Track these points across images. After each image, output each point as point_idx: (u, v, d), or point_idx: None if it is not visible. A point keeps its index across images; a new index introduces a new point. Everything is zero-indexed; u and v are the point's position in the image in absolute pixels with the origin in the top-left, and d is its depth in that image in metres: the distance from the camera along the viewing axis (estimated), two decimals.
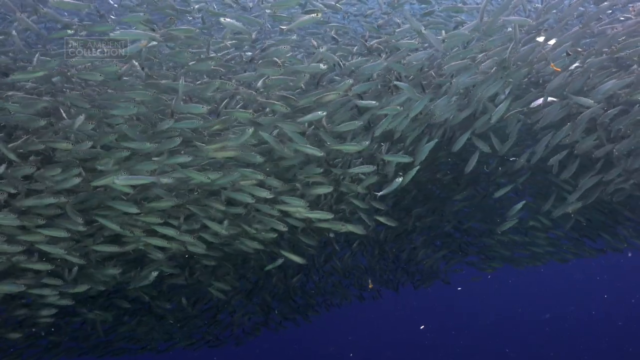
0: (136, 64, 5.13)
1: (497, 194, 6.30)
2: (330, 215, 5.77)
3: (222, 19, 5.15)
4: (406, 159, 5.57)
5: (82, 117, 4.82)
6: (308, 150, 5.32)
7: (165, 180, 5.19)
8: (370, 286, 8.37)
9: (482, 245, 8.53)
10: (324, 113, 5.24)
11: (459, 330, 23.47)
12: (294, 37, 5.65)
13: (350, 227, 5.96)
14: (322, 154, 5.35)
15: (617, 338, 22.04)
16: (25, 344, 7.12)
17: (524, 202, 6.49)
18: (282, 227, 5.76)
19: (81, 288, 5.75)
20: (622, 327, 22.78)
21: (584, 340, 22.59)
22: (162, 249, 5.88)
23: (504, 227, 6.80)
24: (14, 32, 5.42)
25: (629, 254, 8.23)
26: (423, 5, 6.66)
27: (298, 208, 5.63)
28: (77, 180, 4.92)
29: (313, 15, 5.16)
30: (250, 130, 5.05)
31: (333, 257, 8.26)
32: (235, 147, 5.19)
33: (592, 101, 5.16)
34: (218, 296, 7.35)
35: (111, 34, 4.94)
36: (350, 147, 5.46)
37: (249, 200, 5.46)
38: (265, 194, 5.43)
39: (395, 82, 5.28)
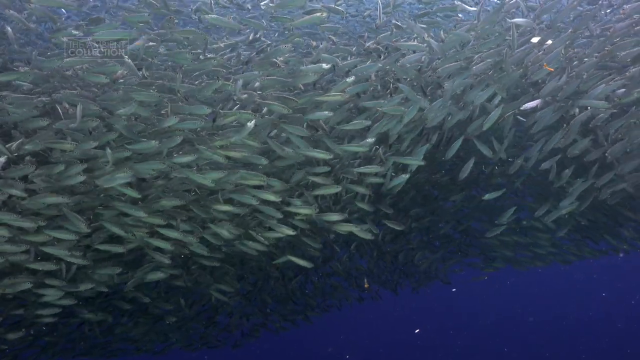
0: (130, 62, 5.10)
1: (489, 196, 6.29)
2: (341, 217, 5.76)
3: (207, 16, 5.12)
4: (416, 162, 5.54)
5: (80, 110, 4.77)
6: (315, 154, 5.30)
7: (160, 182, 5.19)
8: (366, 285, 8.37)
9: (482, 245, 8.50)
10: (330, 113, 5.22)
11: (458, 331, 23.45)
12: (298, 38, 5.59)
13: (356, 231, 5.91)
14: (330, 157, 5.33)
15: (617, 339, 22.01)
16: (23, 344, 7.10)
17: (514, 207, 6.51)
18: (291, 232, 5.73)
19: (85, 287, 5.75)
20: (621, 328, 22.74)
21: (583, 341, 22.57)
22: (161, 250, 5.87)
23: (494, 232, 6.83)
24: (8, 29, 5.40)
25: (621, 254, 8.22)
26: (421, 6, 6.63)
27: (306, 210, 5.62)
28: (81, 178, 4.89)
29: (318, 14, 5.14)
30: (252, 124, 5.00)
31: (333, 258, 8.24)
32: (241, 147, 5.16)
33: (603, 102, 5.14)
34: (219, 298, 7.33)
35: (95, 35, 4.91)
36: (354, 148, 5.43)
37: (253, 202, 5.43)
38: (272, 197, 5.41)
39: (399, 85, 5.26)
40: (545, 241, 7.95)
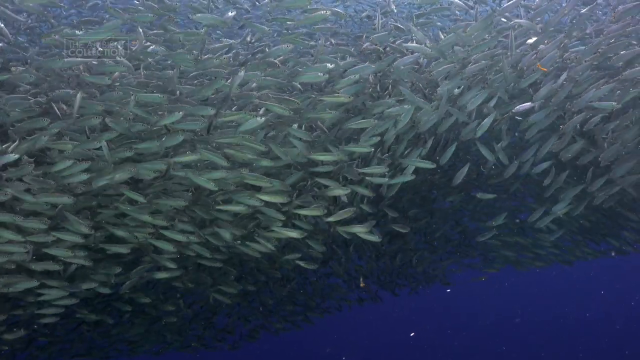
0: (126, 62, 5.09)
1: (481, 196, 6.27)
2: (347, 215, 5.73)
3: (195, 15, 5.12)
4: (429, 165, 5.54)
5: (79, 99, 4.74)
6: (322, 157, 5.29)
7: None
8: (362, 284, 8.36)
9: (482, 246, 8.47)
10: (334, 113, 5.22)
11: (456, 331, 23.40)
12: (297, 39, 5.55)
13: (363, 233, 5.88)
14: (337, 159, 5.30)
15: (617, 339, 21.97)
16: (20, 344, 7.09)
17: (505, 213, 6.55)
18: (300, 234, 5.74)
19: (88, 285, 5.78)
20: (620, 329, 22.70)
21: (582, 341, 22.52)
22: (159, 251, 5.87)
23: (486, 235, 6.84)
24: (1, 25, 5.40)
25: (612, 253, 8.23)
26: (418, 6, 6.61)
27: (314, 212, 5.60)
28: (83, 177, 4.87)
29: (322, 12, 5.13)
30: (261, 119, 4.98)
31: (332, 259, 8.20)
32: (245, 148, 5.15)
33: (615, 103, 5.13)
34: (219, 299, 7.32)
35: (78, 37, 4.90)
36: (360, 149, 5.41)
37: (257, 203, 5.40)
38: (280, 199, 5.41)
39: (400, 88, 5.24)
40: (546, 242, 7.95)
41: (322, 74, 5.14)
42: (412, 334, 22.81)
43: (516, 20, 5.38)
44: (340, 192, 5.59)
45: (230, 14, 5.34)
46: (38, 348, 7.46)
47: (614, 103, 5.12)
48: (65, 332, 7.52)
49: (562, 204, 5.97)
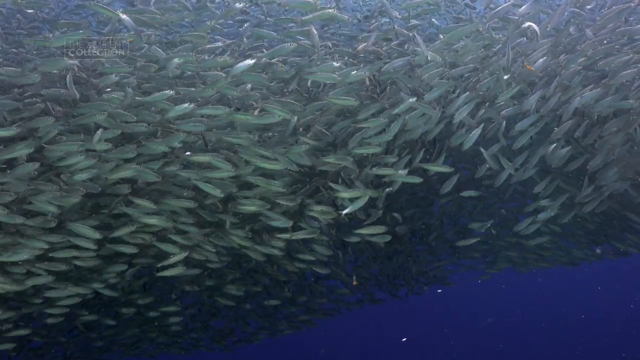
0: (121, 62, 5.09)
1: (466, 194, 6.28)
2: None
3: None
4: (446, 169, 5.52)
5: (70, 79, 4.69)
6: (334, 160, 5.30)
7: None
8: (355, 283, 8.35)
9: (484, 246, 8.44)
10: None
11: (455, 331, 23.38)
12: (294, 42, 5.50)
13: (373, 234, 5.87)
14: (348, 162, 5.29)
15: (616, 339, 21.94)
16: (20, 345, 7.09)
17: (491, 221, 6.59)
18: (313, 233, 5.79)
19: (96, 286, 5.80)
20: (620, 330, 22.66)
21: (581, 342, 22.50)
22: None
23: (467, 242, 6.89)
24: None
25: (598, 250, 8.21)
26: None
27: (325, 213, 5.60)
28: (85, 176, 4.85)
29: (328, 10, 5.13)
30: (294, 119, 5.00)
31: (331, 260, 8.16)
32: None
33: (633, 102, 5.10)
34: (225, 303, 7.29)
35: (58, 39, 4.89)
36: (367, 150, 5.39)
37: (263, 207, 5.39)
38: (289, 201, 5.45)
39: (401, 94, 5.22)
40: (550, 244, 7.92)
41: (335, 74, 5.11)
42: (404, 339, 22.78)
43: (528, 24, 5.34)
44: (349, 194, 5.55)
45: (238, 5, 5.34)
46: (33, 349, 7.44)
47: (631, 101, 5.09)
48: (61, 333, 7.50)
49: (549, 213, 6.02)
